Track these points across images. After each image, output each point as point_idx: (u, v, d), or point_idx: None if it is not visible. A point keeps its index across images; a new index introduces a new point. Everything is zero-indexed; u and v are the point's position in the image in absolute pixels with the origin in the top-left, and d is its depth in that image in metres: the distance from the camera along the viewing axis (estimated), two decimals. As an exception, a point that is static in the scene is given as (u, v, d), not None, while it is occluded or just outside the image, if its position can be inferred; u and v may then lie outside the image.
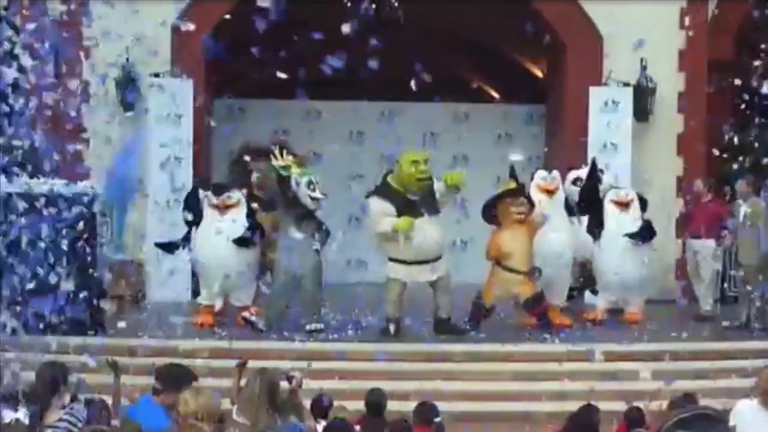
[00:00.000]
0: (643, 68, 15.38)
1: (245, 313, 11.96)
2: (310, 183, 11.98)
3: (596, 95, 15.33)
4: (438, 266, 11.86)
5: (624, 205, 12.87)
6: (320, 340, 11.39)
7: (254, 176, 13.12)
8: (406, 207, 11.66)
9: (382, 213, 11.74)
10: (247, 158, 13.65)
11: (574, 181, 13.38)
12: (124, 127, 14.60)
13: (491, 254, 12.15)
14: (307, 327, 11.81)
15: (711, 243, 13.40)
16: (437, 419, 7.35)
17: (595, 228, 12.90)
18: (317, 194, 11.96)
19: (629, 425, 7.32)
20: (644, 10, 15.48)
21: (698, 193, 13.63)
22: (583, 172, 13.44)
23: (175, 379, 6.46)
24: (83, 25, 15.03)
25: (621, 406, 7.97)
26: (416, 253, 11.69)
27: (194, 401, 5.41)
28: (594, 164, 13.18)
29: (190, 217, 12.33)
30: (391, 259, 11.92)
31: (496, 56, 20.38)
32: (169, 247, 12.66)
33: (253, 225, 12.23)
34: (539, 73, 19.40)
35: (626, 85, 15.31)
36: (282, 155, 12.03)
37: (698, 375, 10.45)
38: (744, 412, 6.61)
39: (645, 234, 12.79)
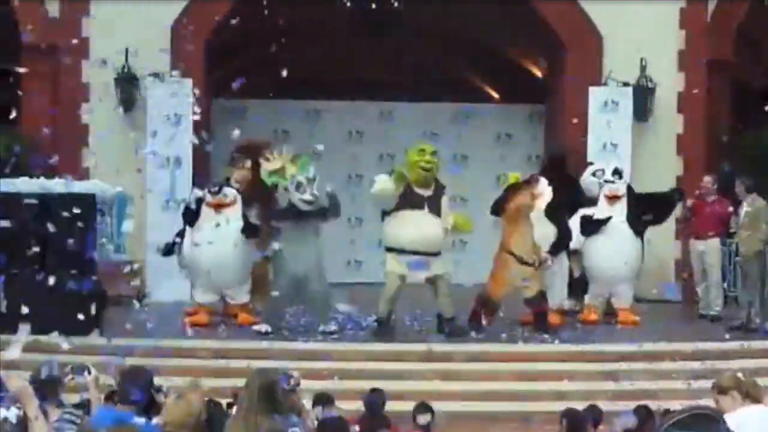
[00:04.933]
0: (643, 68, 15.39)
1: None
2: (299, 185, 11.92)
3: (596, 95, 15.33)
4: (436, 263, 11.68)
5: (616, 198, 12.94)
6: (320, 340, 11.37)
7: (236, 174, 12.58)
8: (409, 196, 11.56)
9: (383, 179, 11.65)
10: (235, 155, 13.28)
11: (594, 173, 13.38)
12: (124, 127, 14.60)
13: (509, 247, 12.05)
14: (320, 328, 11.73)
15: (716, 242, 13.38)
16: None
17: (589, 225, 12.91)
18: (307, 196, 11.90)
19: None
20: (644, 10, 15.50)
21: (705, 191, 13.55)
22: (604, 165, 13.46)
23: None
24: (83, 25, 15.10)
25: (621, 407, 7.98)
26: (412, 242, 11.47)
27: (173, 408, 5.27)
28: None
29: (189, 217, 12.31)
30: (388, 249, 11.72)
31: (496, 56, 20.36)
32: (167, 251, 12.65)
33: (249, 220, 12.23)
34: (539, 73, 19.39)
35: (626, 85, 15.31)
36: (273, 156, 11.92)
37: (697, 375, 10.43)
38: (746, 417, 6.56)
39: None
